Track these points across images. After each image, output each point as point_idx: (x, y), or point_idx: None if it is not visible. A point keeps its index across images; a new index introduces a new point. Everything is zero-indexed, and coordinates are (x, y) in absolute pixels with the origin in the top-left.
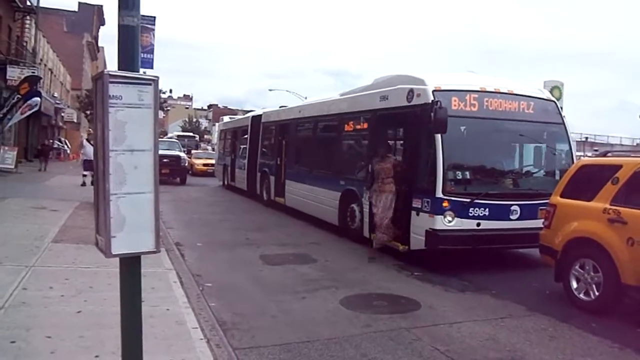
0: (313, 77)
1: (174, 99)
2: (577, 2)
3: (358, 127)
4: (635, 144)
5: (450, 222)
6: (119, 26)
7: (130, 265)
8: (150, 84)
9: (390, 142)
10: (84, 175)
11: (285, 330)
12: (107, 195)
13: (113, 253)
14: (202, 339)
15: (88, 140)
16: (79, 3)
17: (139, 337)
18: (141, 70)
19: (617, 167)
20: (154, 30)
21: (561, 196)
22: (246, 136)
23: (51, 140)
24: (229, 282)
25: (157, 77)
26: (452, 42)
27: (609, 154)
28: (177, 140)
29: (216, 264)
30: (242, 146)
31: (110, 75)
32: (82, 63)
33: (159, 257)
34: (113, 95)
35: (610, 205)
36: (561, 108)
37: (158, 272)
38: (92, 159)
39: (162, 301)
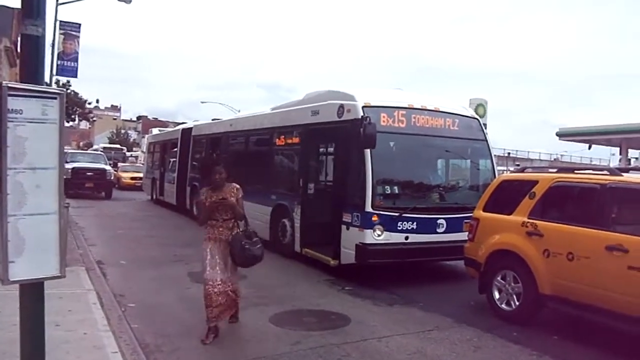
0: (247, 90)
1: (101, 110)
2: (502, 25)
3: (289, 141)
4: (553, 159)
5: (379, 236)
6: (22, 36)
7: (32, 292)
8: (55, 98)
9: (322, 157)
10: None
11: (212, 351)
12: (5, 217)
13: (11, 279)
14: None
15: None
16: None
17: None
18: (64, 79)
19: (534, 183)
20: (78, 37)
21: (483, 210)
22: (176, 149)
23: None
24: (154, 301)
25: (63, 90)
26: (383, 59)
27: (527, 170)
28: (102, 153)
29: (141, 282)
30: (171, 159)
31: (9, 87)
32: (0, 70)
33: (78, 277)
34: (13, 109)
35: (528, 218)
36: (485, 125)
37: (76, 294)
38: None
39: (80, 325)
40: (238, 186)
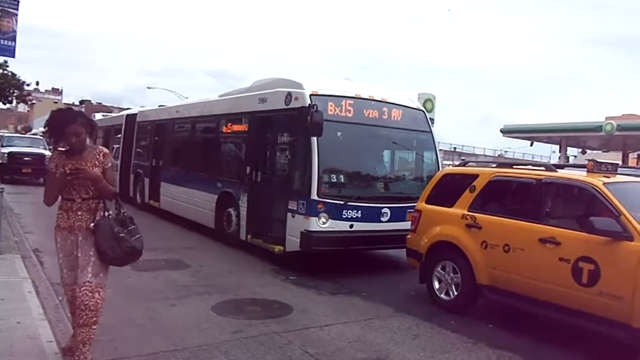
0: (195, 77)
1: (41, 92)
2: (450, 24)
3: (237, 129)
4: (497, 155)
5: (324, 223)
6: None
7: None
8: None
9: (269, 145)
10: None
11: (152, 339)
12: None
13: None
14: (57, 354)
15: None
16: None
17: None
18: (1, 59)
19: (475, 176)
20: (17, 15)
21: (426, 202)
22: (120, 135)
23: None
24: None
25: None
26: (333, 50)
27: (469, 164)
28: (41, 137)
29: None
30: (115, 146)
31: None
32: None
33: (12, 265)
34: None
35: (468, 211)
36: (432, 120)
37: (11, 282)
38: None
39: (13, 313)
40: (106, 150)
